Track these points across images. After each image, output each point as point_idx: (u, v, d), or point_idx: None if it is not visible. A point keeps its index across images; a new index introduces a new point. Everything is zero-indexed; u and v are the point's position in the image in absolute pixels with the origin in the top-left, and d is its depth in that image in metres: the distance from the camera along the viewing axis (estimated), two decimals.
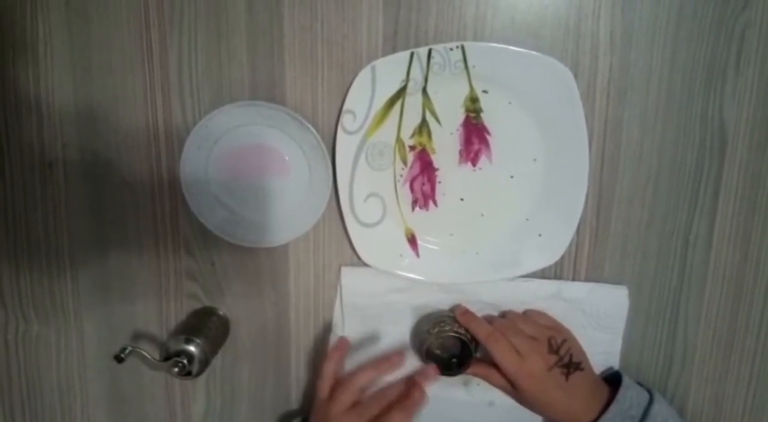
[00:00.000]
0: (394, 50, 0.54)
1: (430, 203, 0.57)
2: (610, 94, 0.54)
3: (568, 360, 0.54)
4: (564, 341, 0.55)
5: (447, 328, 0.55)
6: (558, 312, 0.58)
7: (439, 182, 0.57)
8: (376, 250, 0.57)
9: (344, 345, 0.58)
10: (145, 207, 0.59)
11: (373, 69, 0.53)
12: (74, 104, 0.57)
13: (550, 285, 0.57)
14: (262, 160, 0.56)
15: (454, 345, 0.57)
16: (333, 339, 0.61)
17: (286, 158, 0.56)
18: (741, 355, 0.60)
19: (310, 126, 0.53)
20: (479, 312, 0.58)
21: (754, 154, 0.55)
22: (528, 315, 0.58)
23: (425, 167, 0.56)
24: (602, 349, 0.58)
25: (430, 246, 0.58)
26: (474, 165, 0.56)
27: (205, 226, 0.58)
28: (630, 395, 0.54)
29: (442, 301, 0.59)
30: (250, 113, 0.55)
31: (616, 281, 0.58)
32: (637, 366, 0.60)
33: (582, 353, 0.56)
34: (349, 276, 0.59)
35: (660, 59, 0.53)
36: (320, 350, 0.62)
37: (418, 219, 0.58)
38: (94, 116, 0.58)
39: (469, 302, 0.58)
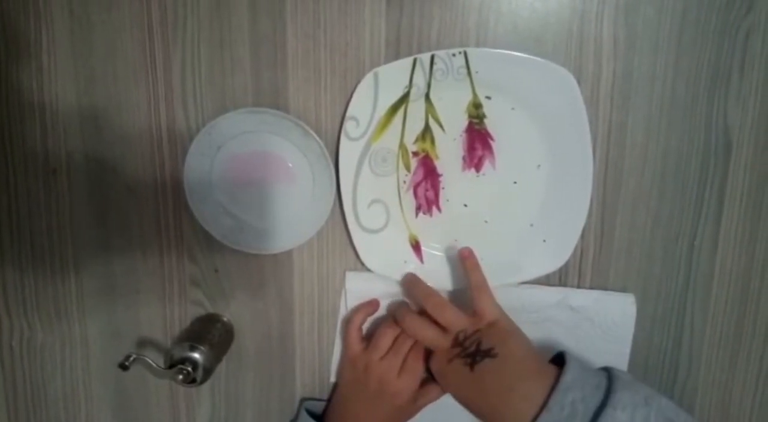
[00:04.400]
0: (396, 57, 0.54)
1: (434, 209, 0.57)
2: (614, 99, 0.54)
3: (473, 349, 0.48)
4: (475, 332, 0.49)
5: None
6: (565, 322, 0.57)
7: (443, 188, 0.56)
8: (380, 257, 0.57)
9: (374, 304, 0.59)
10: (148, 214, 0.59)
11: (376, 75, 0.53)
12: (78, 112, 0.58)
13: (555, 293, 0.57)
14: (265, 167, 0.56)
15: None
16: (338, 345, 0.61)
17: (290, 165, 0.56)
18: (747, 360, 0.59)
19: (313, 133, 0.53)
20: None
21: (759, 157, 0.55)
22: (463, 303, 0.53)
23: (429, 173, 0.56)
24: (610, 360, 0.58)
25: (434, 252, 0.58)
26: (478, 171, 0.55)
27: (209, 233, 0.58)
28: (571, 399, 0.43)
29: None
30: (253, 120, 0.55)
31: (622, 286, 0.58)
32: (643, 372, 0.59)
33: (502, 340, 0.48)
34: (354, 281, 0.59)
35: (664, 64, 0.53)
36: (325, 356, 0.62)
37: (422, 226, 0.58)
38: (97, 124, 0.58)
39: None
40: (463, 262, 0.54)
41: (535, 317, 0.58)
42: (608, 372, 0.47)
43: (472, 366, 0.48)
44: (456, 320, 0.51)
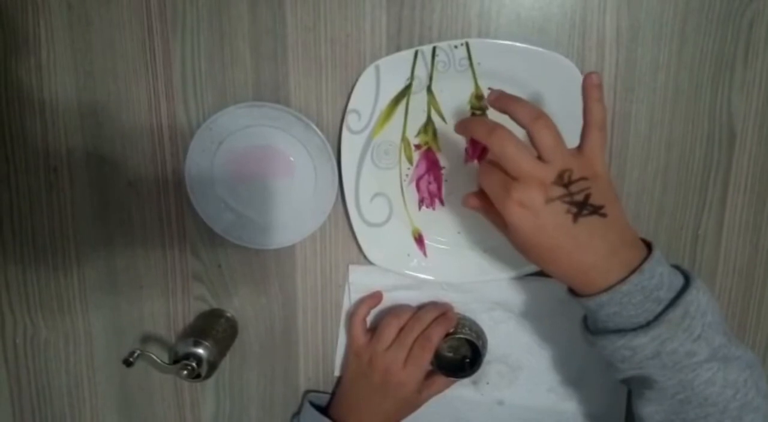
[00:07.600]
0: (398, 49, 0.53)
1: (437, 202, 0.57)
2: (617, 90, 0.54)
3: (581, 198, 0.41)
4: (583, 179, 0.42)
5: (456, 331, 0.55)
6: (572, 313, 0.57)
7: (446, 181, 0.56)
8: (384, 250, 0.57)
9: (377, 296, 0.59)
10: (150, 210, 0.59)
11: (377, 68, 0.52)
12: (78, 108, 0.57)
13: (560, 285, 0.57)
14: (267, 161, 0.56)
15: (463, 348, 0.57)
16: (342, 338, 0.61)
17: (291, 159, 0.56)
18: (752, 350, 0.59)
19: (314, 126, 0.53)
20: (488, 311, 0.58)
21: (764, 146, 0.55)
22: (551, 126, 0.43)
23: (431, 166, 0.56)
24: None
25: (437, 245, 0.58)
26: (480, 163, 0.55)
27: (211, 228, 0.58)
28: (660, 272, 0.42)
29: (450, 299, 0.59)
30: (254, 114, 0.54)
31: None
32: None
33: (611, 200, 0.43)
34: (357, 274, 0.59)
35: (667, 53, 0.53)
36: (329, 350, 0.62)
37: (425, 219, 0.57)
38: (98, 120, 0.57)
39: (477, 301, 0.58)
40: (589, 91, 0.44)
41: (542, 309, 0.58)
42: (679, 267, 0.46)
43: (576, 217, 0.41)
44: (562, 151, 0.42)
